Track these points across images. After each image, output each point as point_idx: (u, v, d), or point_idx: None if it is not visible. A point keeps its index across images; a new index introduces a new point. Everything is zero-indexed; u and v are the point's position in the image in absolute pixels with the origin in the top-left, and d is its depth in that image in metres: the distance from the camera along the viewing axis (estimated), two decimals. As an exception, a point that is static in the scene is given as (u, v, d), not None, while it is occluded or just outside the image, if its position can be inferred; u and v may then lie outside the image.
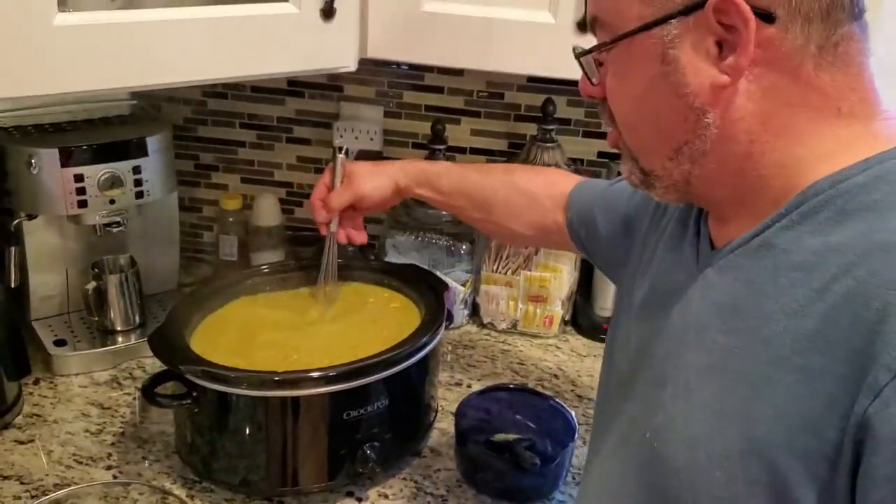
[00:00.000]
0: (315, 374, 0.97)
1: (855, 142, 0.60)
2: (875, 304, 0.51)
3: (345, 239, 1.15)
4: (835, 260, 0.56)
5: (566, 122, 1.46)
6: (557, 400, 1.13)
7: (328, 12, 1.03)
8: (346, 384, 0.98)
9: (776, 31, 0.58)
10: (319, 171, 1.57)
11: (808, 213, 0.59)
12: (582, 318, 1.47)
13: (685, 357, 0.65)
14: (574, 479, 1.09)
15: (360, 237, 1.16)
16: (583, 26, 1.06)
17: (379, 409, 1.02)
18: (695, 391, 0.63)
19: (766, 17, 0.58)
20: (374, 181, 1.12)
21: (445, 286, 1.20)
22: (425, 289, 1.17)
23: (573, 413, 1.09)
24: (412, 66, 1.46)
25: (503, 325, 1.45)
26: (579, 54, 0.69)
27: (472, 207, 1.13)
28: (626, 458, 0.71)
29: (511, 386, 1.18)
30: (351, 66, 1.12)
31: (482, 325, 1.46)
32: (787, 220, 0.60)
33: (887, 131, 0.61)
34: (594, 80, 0.70)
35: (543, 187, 1.09)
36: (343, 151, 1.13)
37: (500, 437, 1.13)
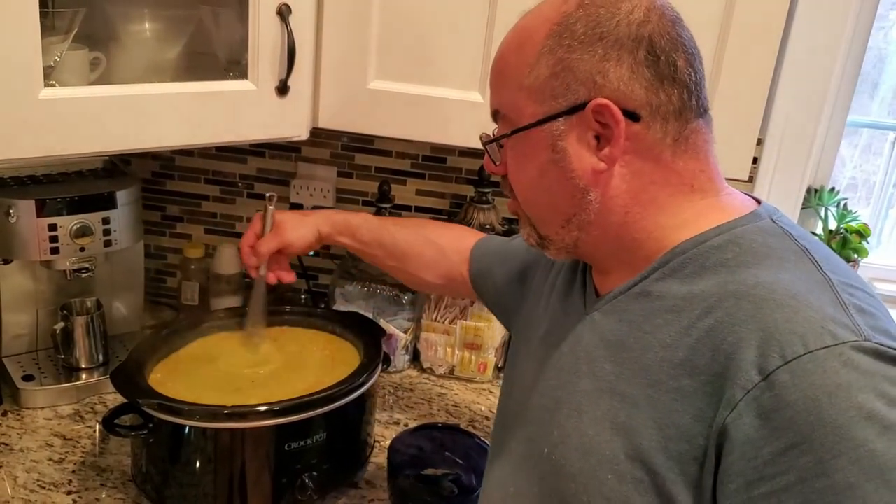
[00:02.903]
0: (261, 408, 1.08)
1: (707, 211, 0.77)
2: (730, 338, 0.66)
3: (274, 280, 1.23)
4: (698, 304, 0.71)
5: (503, 185, 1.60)
6: (483, 439, 1.24)
7: (282, 90, 1.17)
8: (289, 418, 1.09)
9: (641, 127, 0.74)
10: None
11: (676, 268, 0.75)
12: (515, 365, 1.59)
13: (578, 384, 0.79)
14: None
15: (289, 277, 1.24)
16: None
17: (318, 442, 1.13)
18: (586, 411, 0.77)
19: (632, 116, 0.74)
20: (299, 230, 1.21)
21: (383, 332, 1.32)
22: (366, 334, 1.29)
23: (495, 450, 1.21)
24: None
25: (441, 370, 1.57)
26: (486, 142, 0.84)
27: (387, 257, 1.23)
28: (528, 472, 0.84)
29: (439, 425, 1.29)
30: (303, 135, 1.24)
31: (422, 370, 1.58)
32: (659, 273, 0.76)
33: (731, 203, 0.78)
34: (497, 161, 0.85)
35: (451, 241, 1.22)
36: (272, 201, 1.21)
37: (429, 471, 1.24)
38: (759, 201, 0.80)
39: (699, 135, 0.77)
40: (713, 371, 0.67)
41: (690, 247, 0.74)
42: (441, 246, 1.22)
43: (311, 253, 1.29)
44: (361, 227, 1.23)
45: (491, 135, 0.85)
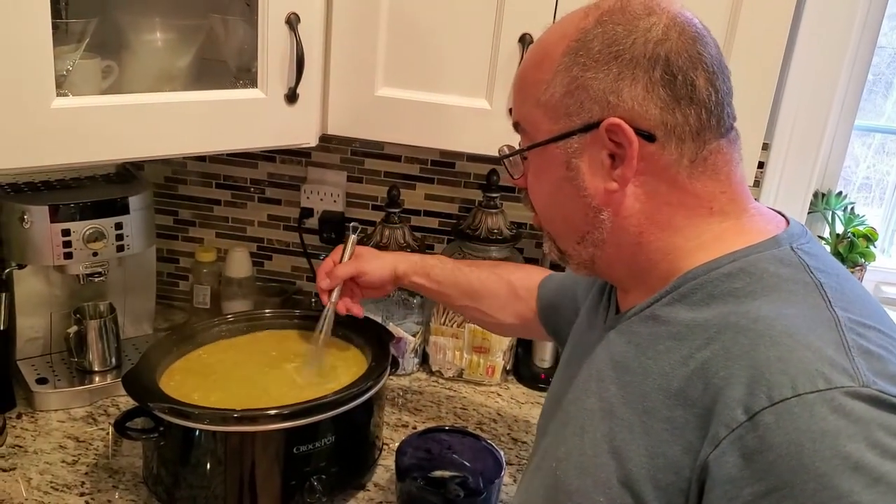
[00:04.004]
0: (271, 412, 1.10)
1: (726, 234, 0.75)
2: (722, 373, 0.65)
3: (344, 310, 1.23)
4: (700, 334, 0.70)
5: (511, 189, 1.60)
6: (490, 441, 1.25)
7: (291, 98, 1.18)
8: (298, 421, 1.10)
9: (655, 148, 0.73)
10: (288, 227, 1.72)
11: (686, 294, 0.74)
12: (523, 369, 1.60)
13: (586, 402, 0.80)
14: (501, 512, 1.22)
15: (358, 310, 1.25)
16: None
17: (327, 445, 1.14)
18: (588, 431, 0.77)
19: (647, 136, 0.73)
20: (377, 262, 1.23)
21: (392, 336, 1.33)
22: (374, 338, 1.30)
23: (502, 453, 1.22)
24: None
25: (450, 373, 1.58)
26: (503, 156, 0.85)
27: (461, 296, 1.24)
28: (538, 483, 0.85)
29: (447, 428, 1.30)
30: (312, 142, 1.25)
31: (431, 373, 1.59)
32: (669, 298, 0.75)
33: (753, 226, 0.76)
34: (516, 175, 0.85)
35: (521, 279, 1.23)
36: (355, 232, 1.24)
37: (437, 473, 1.25)
38: (788, 221, 0.78)
39: (720, 155, 0.75)
40: (703, 405, 0.66)
41: (702, 273, 0.73)
42: (512, 283, 1.23)
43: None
44: (436, 267, 1.24)
45: (507, 149, 0.85)
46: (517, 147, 0.84)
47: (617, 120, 0.72)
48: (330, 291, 1.22)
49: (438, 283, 1.24)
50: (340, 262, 1.22)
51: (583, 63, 0.73)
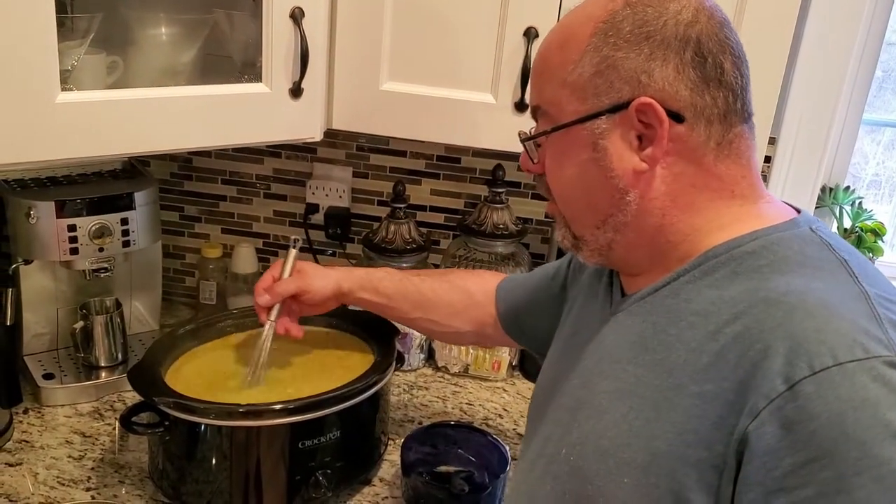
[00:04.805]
0: (276, 407, 1.10)
1: (745, 217, 0.75)
2: (758, 345, 0.65)
3: (282, 330, 1.17)
4: (727, 309, 0.69)
5: (516, 184, 1.61)
6: (495, 436, 1.25)
7: (296, 92, 1.18)
8: (303, 416, 1.10)
9: (685, 129, 0.73)
10: (294, 224, 1.72)
11: (707, 271, 0.73)
12: (529, 364, 1.59)
13: (600, 385, 0.79)
14: (506, 507, 1.21)
15: (297, 331, 1.19)
16: (519, 106, 1.21)
17: (332, 440, 1.14)
18: (607, 412, 0.76)
19: (676, 117, 0.73)
20: (321, 280, 1.17)
21: (397, 331, 1.33)
22: (379, 334, 1.30)
23: (508, 448, 1.22)
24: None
25: (456, 369, 1.58)
26: (524, 139, 0.84)
27: (413, 308, 1.19)
28: (541, 472, 0.84)
29: (453, 423, 1.30)
30: (317, 136, 1.25)
31: (436, 368, 1.59)
32: (690, 276, 0.75)
33: (769, 211, 0.77)
34: (535, 160, 0.84)
35: (477, 284, 1.20)
36: (296, 246, 1.19)
37: (442, 468, 1.25)
38: (798, 211, 0.78)
39: (742, 140, 0.76)
40: (737, 378, 0.65)
41: (724, 251, 0.73)
42: (468, 289, 1.20)
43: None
44: (384, 280, 1.20)
45: (528, 133, 0.84)
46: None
47: (648, 99, 0.72)
48: (269, 309, 1.17)
49: (388, 298, 1.19)
50: (280, 277, 1.17)
51: (613, 43, 0.73)
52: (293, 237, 1.20)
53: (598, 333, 0.83)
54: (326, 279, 1.18)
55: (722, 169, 0.75)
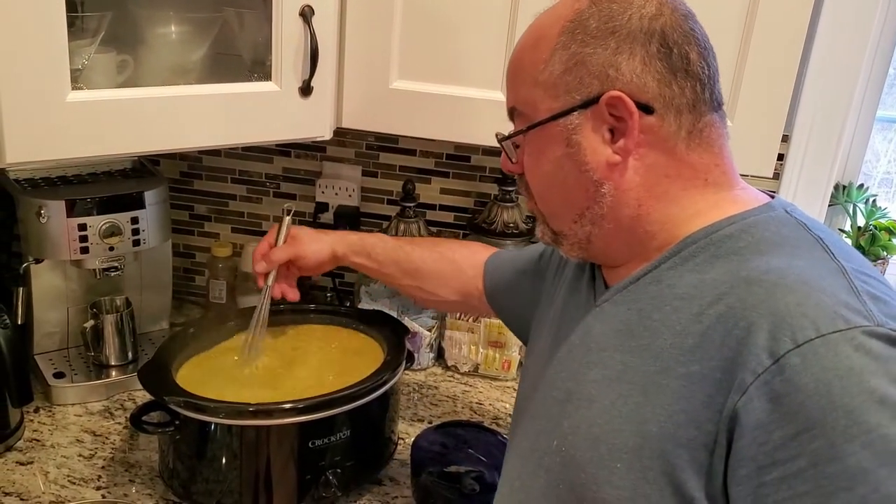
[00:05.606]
0: (286, 406, 1.10)
1: (721, 203, 0.77)
2: (742, 323, 0.66)
3: (279, 294, 1.22)
4: (710, 291, 0.71)
5: (527, 183, 1.60)
6: (506, 435, 1.25)
7: (306, 90, 1.18)
8: (313, 415, 1.10)
9: (655, 120, 0.75)
10: (304, 222, 1.71)
11: (688, 257, 0.75)
12: (539, 363, 1.59)
13: (588, 374, 0.80)
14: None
15: (293, 294, 1.24)
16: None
17: (342, 439, 1.14)
18: (596, 400, 0.77)
19: (646, 109, 0.75)
20: (315, 245, 1.21)
21: (407, 330, 1.32)
22: (390, 332, 1.30)
23: (518, 447, 1.21)
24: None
25: (465, 368, 1.57)
26: (501, 139, 0.86)
27: (402, 275, 1.23)
28: (533, 466, 0.84)
29: (463, 422, 1.30)
30: (326, 135, 1.25)
31: (446, 368, 1.59)
32: (671, 262, 0.76)
33: (744, 196, 0.79)
34: (513, 159, 0.86)
35: (465, 257, 1.23)
36: (290, 214, 1.21)
37: (452, 468, 1.24)
38: (772, 196, 0.80)
39: (713, 129, 0.78)
40: (724, 356, 0.66)
41: (702, 236, 0.75)
42: (456, 261, 1.22)
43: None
44: (377, 246, 1.23)
45: (506, 133, 0.86)
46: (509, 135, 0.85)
47: (617, 92, 0.74)
48: (266, 275, 1.21)
49: (379, 263, 1.23)
50: (276, 244, 1.21)
51: (581, 40, 0.76)
52: (285, 205, 1.22)
53: (584, 325, 0.84)
54: (320, 244, 1.22)
55: (694, 158, 0.77)
